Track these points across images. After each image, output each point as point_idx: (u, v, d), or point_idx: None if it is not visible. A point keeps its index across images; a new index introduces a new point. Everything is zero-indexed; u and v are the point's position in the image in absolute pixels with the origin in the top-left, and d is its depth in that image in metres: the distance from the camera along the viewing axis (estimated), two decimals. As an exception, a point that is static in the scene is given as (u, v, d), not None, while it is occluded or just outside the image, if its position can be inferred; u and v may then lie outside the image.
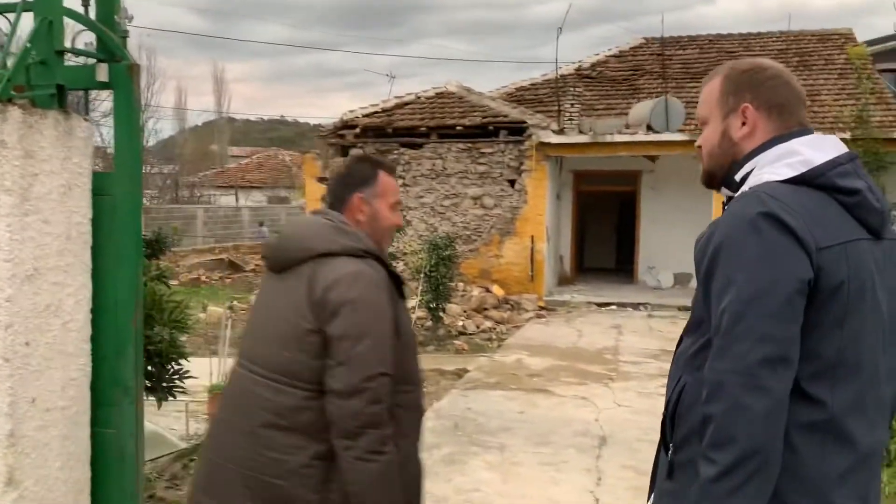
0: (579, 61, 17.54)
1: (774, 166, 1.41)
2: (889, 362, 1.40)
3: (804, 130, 1.46)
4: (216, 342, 6.52)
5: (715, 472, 1.27)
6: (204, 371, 4.86)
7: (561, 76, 15.14)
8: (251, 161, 39.25)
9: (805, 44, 16.82)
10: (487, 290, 12.40)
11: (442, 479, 4.47)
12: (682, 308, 12.34)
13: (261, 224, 24.40)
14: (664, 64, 16.37)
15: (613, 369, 7.82)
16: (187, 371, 3.76)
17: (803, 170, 1.38)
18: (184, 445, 4.55)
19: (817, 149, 1.40)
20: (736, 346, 1.28)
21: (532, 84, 16.58)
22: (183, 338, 3.84)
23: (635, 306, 12.56)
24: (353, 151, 14.03)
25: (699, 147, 1.59)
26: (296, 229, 2.03)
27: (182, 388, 3.78)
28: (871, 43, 17.61)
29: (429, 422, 5.79)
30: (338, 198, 1.98)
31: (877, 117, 13.39)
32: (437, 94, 14.74)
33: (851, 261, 1.33)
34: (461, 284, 12.17)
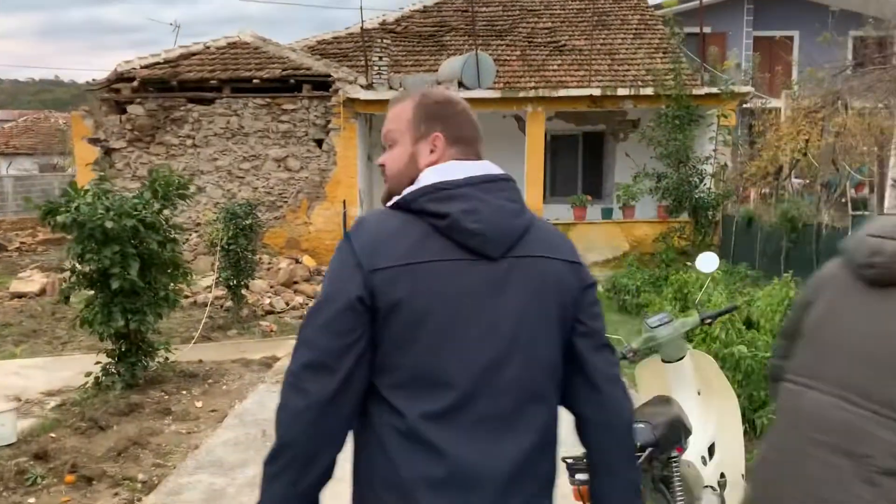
0: (383, 14, 16.66)
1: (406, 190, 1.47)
2: (516, 374, 1.40)
3: (462, 156, 1.51)
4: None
5: (265, 459, 1.40)
6: None
7: (365, 30, 14.18)
8: (17, 125, 34.41)
9: (601, 3, 17.18)
10: (297, 262, 11.32)
11: (246, 511, 3.53)
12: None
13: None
14: (472, 20, 15.96)
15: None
16: None
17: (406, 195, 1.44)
18: None
19: (446, 174, 1.44)
20: (295, 351, 1.40)
21: (335, 38, 15.41)
22: None
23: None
24: (131, 108, 12.15)
25: (382, 165, 1.62)
26: None
27: None
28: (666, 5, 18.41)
29: (227, 431, 4.76)
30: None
31: (670, 77, 13.93)
32: (229, 43, 13.16)
33: (416, 282, 1.36)
34: (266, 257, 11.00)
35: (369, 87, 12.20)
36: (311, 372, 1.35)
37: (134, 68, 12.30)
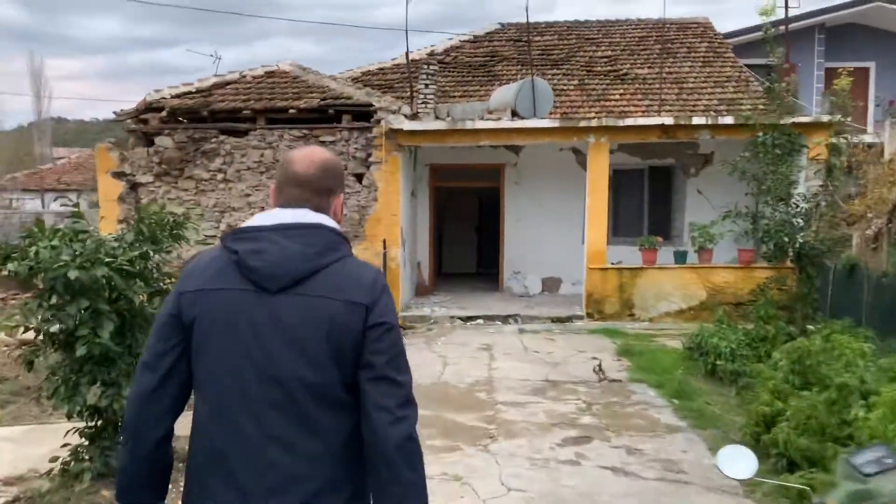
0: (432, 46, 15.73)
1: None
2: (277, 395, 1.64)
3: (285, 204, 1.78)
4: None
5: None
6: None
7: (412, 61, 13.21)
8: (69, 161, 34.71)
9: (665, 32, 15.95)
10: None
11: None
12: (555, 320, 10.76)
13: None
14: (525, 48, 14.89)
15: (492, 418, 5.90)
16: None
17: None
18: None
19: (260, 219, 1.76)
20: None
21: (381, 69, 14.53)
22: None
23: (504, 319, 10.84)
24: (159, 139, 11.32)
25: None
26: None
27: None
28: (727, 36, 17.11)
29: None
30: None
31: (746, 106, 12.58)
32: (266, 73, 12.31)
33: (206, 304, 1.69)
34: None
35: (414, 116, 11.14)
36: (142, 369, 1.76)
37: (164, 98, 11.50)
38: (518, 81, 11.40)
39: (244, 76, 12.19)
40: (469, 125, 10.77)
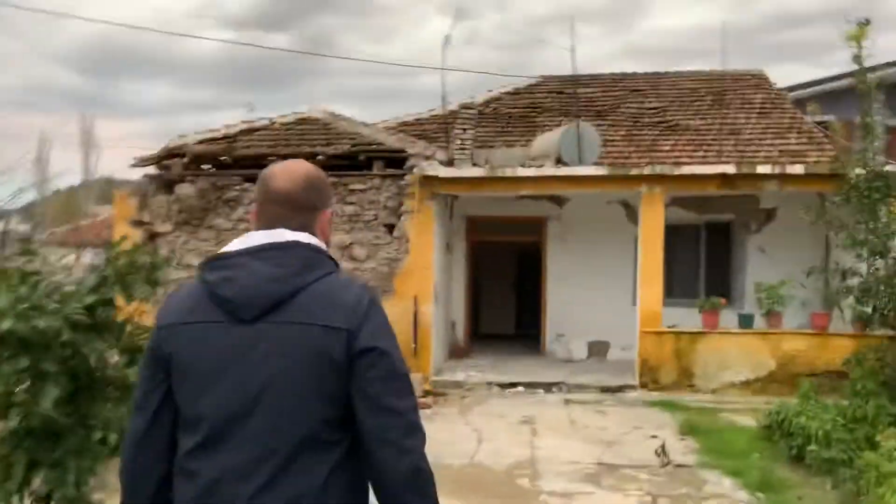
0: (470, 97, 15.10)
1: None
2: (260, 426, 1.52)
3: (264, 225, 1.65)
4: None
5: None
6: None
7: (450, 112, 12.54)
8: (109, 217, 34.93)
9: (718, 83, 15.11)
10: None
11: None
12: (604, 389, 9.63)
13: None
14: (567, 101, 14.18)
15: (537, 514, 4.83)
16: None
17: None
18: None
19: (234, 245, 1.64)
20: None
21: (417, 119, 13.86)
22: None
23: (547, 387, 9.74)
24: (180, 187, 10.70)
25: None
26: None
27: None
28: (789, 89, 16.22)
29: None
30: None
31: (812, 158, 11.58)
32: (297, 119, 11.74)
33: (182, 338, 1.59)
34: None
35: (450, 163, 10.36)
36: (134, 410, 1.68)
37: (187, 143, 10.95)
38: (562, 127, 10.59)
39: (273, 123, 11.63)
40: (509, 173, 9.93)
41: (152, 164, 10.99)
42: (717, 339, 9.50)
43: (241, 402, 1.52)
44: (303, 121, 11.69)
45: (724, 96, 14.27)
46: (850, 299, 6.60)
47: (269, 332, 1.52)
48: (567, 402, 8.92)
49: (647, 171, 9.75)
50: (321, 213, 1.69)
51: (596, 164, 10.32)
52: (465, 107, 10.86)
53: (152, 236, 10.77)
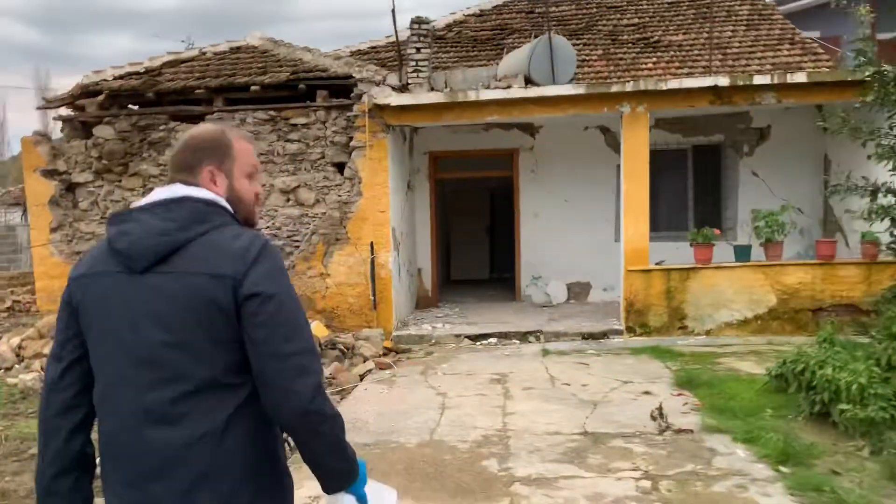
0: (432, 21, 13.65)
1: None
2: (156, 373, 1.55)
3: (167, 182, 1.70)
4: None
5: None
6: None
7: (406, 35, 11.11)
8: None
9: (701, -5, 13.79)
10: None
11: None
12: (587, 336, 8.62)
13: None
14: (538, 20, 12.82)
15: (506, 513, 3.79)
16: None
17: None
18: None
19: (139, 201, 1.69)
20: None
21: (373, 47, 12.47)
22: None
23: (523, 337, 8.70)
24: (98, 129, 9.32)
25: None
26: None
27: None
28: (780, 3, 14.95)
29: None
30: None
31: (810, 68, 10.44)
32: (231, 48, 10.31)
33: (88, 289, 1.63)
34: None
35: (404, 88, 9.05)
36: (49, 360, 1.69)
37: (104, 80, 9.53)
38: (531, 42, 9.28)
39: (203, 52, 10.20)
40: (472, 96, 8.66)
41: (65, 104, 9.58)
42: (710, 275, 8.46)
43: (139, 348, 1.55)
44: (237, 49, 10.27)
45: (708, 8, 12.96)
46: (886, 222, 5.52)
47: (158, 283, 1.56)
48: (545, 353, 7.89)
49: (629, 87, 8.51)
50: (206, 167, 1.68)
51: (571, 82, 9.08)
52: (417, 21, 9.45)
53: (70, 187, 9.45)
